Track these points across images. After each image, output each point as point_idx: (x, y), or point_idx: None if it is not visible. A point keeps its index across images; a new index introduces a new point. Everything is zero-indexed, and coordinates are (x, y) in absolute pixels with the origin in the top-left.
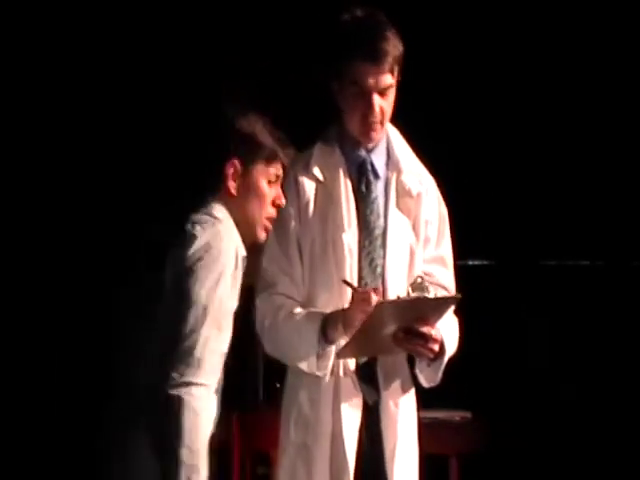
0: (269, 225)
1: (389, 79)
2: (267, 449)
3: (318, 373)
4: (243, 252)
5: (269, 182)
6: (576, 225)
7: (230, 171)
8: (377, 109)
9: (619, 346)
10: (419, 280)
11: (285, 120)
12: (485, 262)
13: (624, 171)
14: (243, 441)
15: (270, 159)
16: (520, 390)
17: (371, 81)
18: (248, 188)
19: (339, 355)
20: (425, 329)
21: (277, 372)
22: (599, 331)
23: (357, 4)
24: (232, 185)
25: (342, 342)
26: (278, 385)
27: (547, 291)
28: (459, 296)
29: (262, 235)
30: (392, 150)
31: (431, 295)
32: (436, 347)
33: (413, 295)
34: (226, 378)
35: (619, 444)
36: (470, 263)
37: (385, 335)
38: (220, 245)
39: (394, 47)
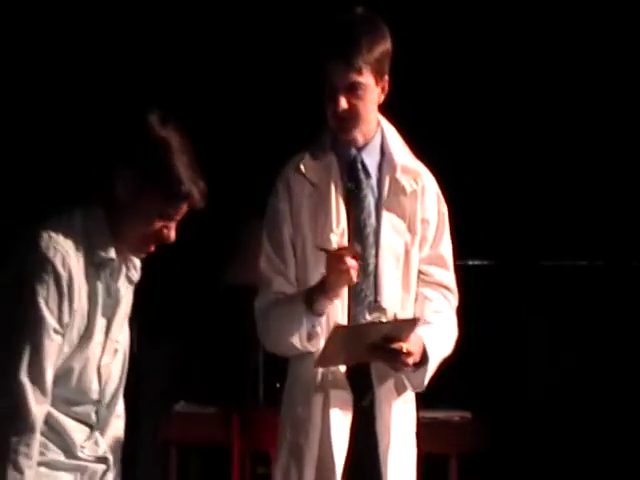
0: (147, 250)
1: (356, 77)
2: (267, 449)
3: (310, 347)
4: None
5: (159, 219)
6: (575, 225)
7: (121, 185)
8: (341, 107)
9: (619, 346)
10: (376, 303)
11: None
12: (485, 262)
13: (624, 171)
14: (243, 441)
15: (174, 201)
16: (520, 390)
17: (335, 78)
18: (133, 213)
19: (316, 364)
20: (396, 345)
21: (277, 372)
22: (599, 331)
23: (357, 3)
24: (118, 199)
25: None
26: (278, 385)
27: (547, 291)
28: (418, 318)
29: (139, 256)
30: (387, 148)
31: (389, 317)
32: (410, 360)
33: (369, 318)
34: (226, 378)
35: (619, 444)
36: (470, 263)
37: (358, 349)
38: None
39: (366, 48)
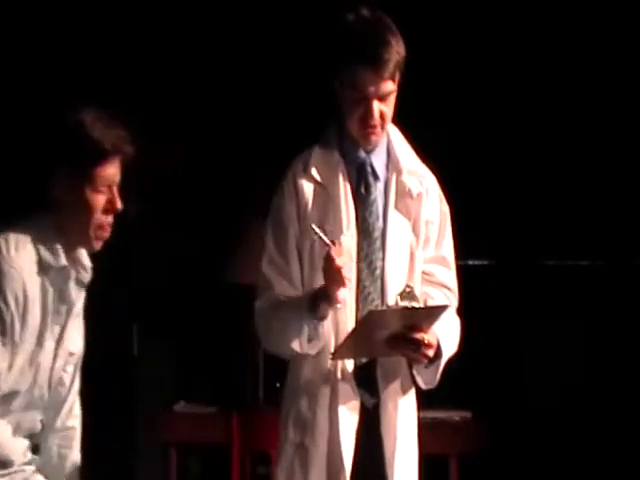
0: (103, 234)
1: (390, 86)
2: (267, 449)
3: (310, 351)
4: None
5: (98, 190)
6: (576, 224)
7: (55, 180)
8: (376, 115)
9: (621, 344)
10: (408, 289)
11: (285, 118)
12: (485, 262)
13: (624, 170)
14: (243, 441)
15: (100, 161)
16: (520, 390)
17: (371, 88)
18: (73, 200)
19: (334, 356)
20: (418, 335)
21: (277, 372)
22: (600, 330)
23: (360, 2)
24: (56, 196)
25: (330, 335)
26: (278, 385)
27: (547, 291)
28: (448, 305)
29: (97, 246)
30: (392, 150)
31: (420, 304)
32: (430, 352)
33: (401, 304)
34: (226, 378)
35: (619, 443)
36: (470, 263)
37: (378, 340)
38: None
39: (396, 53)
